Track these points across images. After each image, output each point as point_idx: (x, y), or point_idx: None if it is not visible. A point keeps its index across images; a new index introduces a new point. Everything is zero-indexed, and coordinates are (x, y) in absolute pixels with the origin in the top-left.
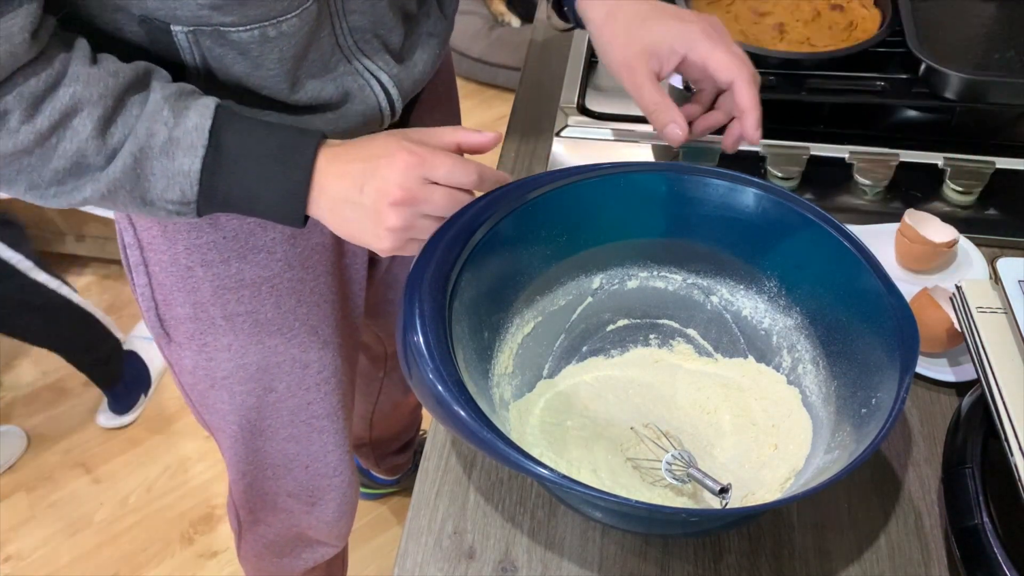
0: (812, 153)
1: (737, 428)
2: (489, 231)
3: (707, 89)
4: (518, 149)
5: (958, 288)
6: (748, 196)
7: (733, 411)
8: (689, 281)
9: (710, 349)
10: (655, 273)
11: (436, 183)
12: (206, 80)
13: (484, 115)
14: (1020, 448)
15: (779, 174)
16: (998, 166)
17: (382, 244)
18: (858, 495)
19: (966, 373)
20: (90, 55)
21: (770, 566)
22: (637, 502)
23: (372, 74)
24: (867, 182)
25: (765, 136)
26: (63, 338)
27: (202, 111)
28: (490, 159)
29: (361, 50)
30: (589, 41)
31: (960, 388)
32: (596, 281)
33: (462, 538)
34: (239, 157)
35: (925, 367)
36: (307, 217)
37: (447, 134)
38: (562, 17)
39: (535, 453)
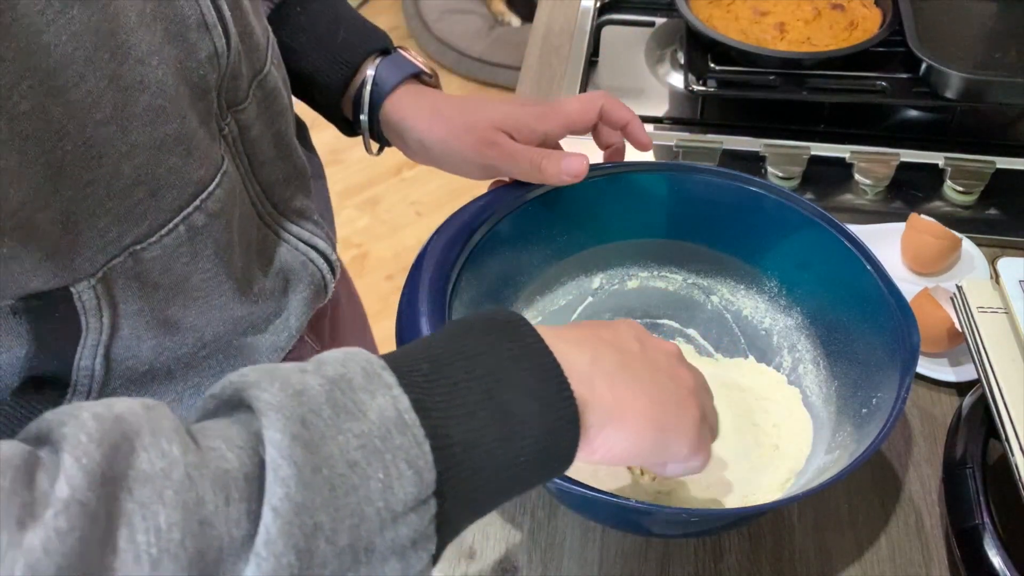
0: (812, 153)
1: (737, 428)
2: (489, 231)
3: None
4: None
5: (959, 288)
6: (748, 196)
7: (733, 411)
8: (689, 281)
9: (710, 349)
10: (655, 273)
11: None
12: (120, 373)
13: None
14: (1021, 448)
15: (779, 174)
16: (999, 166)
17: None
18: (858, 495)
19: (967, 373)
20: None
21: (770, 566)
22: (637, 503)
23: (307, 243)
24: (868, 182)
25: (765, 135)
26: None
27: (327, 353)
28: None
29: (283, 215)
30: (589, 41)
31: (961, 388)
32: (596, 281)
33: (462, 538)
34: (436, 366)
35: (926, 367)
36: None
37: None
38: (377, 140)
39: None
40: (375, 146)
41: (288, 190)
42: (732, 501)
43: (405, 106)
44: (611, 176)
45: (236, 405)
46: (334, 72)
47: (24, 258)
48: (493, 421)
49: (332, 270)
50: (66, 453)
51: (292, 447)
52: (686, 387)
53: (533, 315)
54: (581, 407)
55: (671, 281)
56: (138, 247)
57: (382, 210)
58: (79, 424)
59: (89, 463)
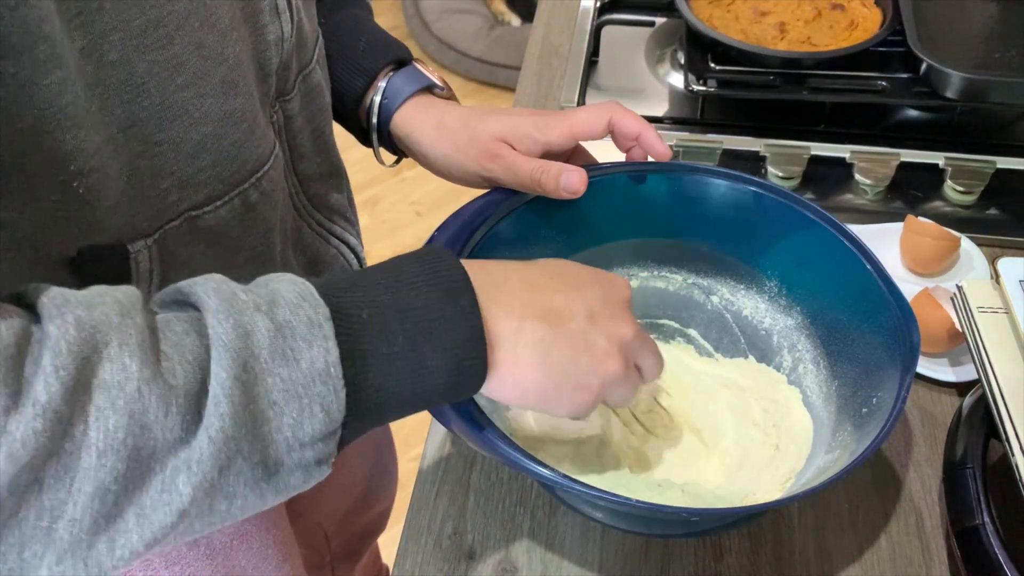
0: (813, 153)
1: (737, 428)
2: (489, 231)
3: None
4: None
5: (959, 288)
6: (748, 195)
7: (733, 411)
8: (689, 281)
9: (710, 349)
10: (655, 273)
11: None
12: None
13: None
14: (1021, 448)
15: (779, 173)
16: (999, 166)
17: (587, 397)
18: (859, 495)
19: (967, 373)
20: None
21: (770, 566)
22: (638, 502)
23: (338, 238)
24: (868, 182)
25: (765, 135)
26: None
27: (287, 278)
28: None
29: (317, 209)
30: (589, 41)
31: (961, 388)
32: None
33: (462, 538)
34: (375, 314)
35: (926, 367)
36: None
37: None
38: (392, 151)
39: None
40: (389, 158)
41: (323, 186)
42: (732, 501)
43: (412, 119)
44: (611, 176)
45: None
46: (352, 81)
47: (93, 203)
48: (408, 369)
49: (361, 266)
50: (47, 357)
51: (233, 387)
52: (600, 375)
53: None
54: (487, 368)
55: (671, 281)
56: (194, 213)
57: (382, 210)
58: (63, 329)
59: (65, 375)
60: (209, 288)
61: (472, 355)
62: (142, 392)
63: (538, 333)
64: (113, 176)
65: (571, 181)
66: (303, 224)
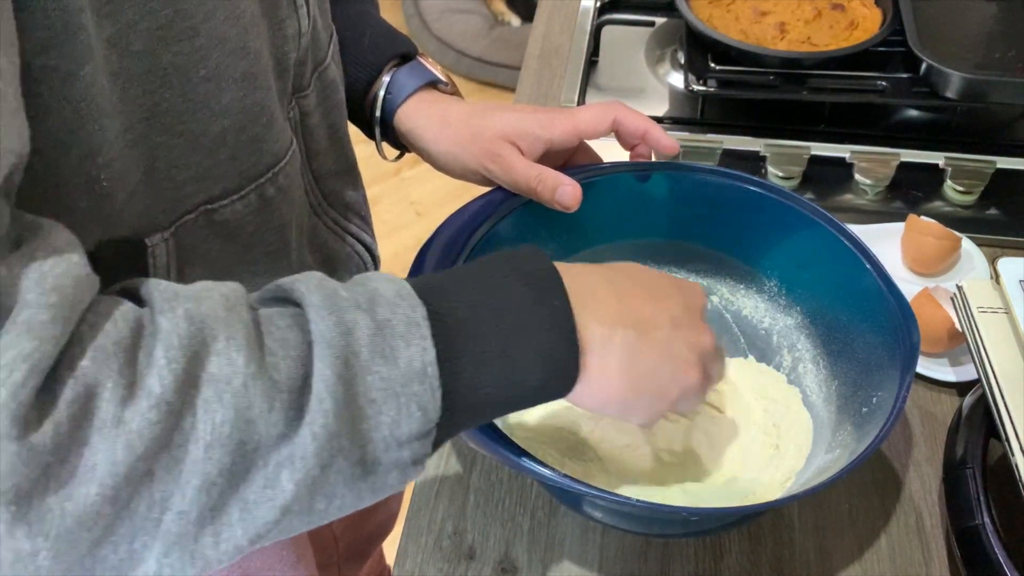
0: (813, 153)
1: (737, 428)
2: (489, 231)
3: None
4: None
5: (959, 288)
6: (748, 196)
7: (733, 411)
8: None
9: None
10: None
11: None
12: None
13: None
14: (1021, 448)
15: (779, 173)
16: (999, 166)
17: (663, 407)
18: (859, 495)
19: (967, 373)
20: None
21: (771, 566)
22: (638, 502)
23: (354, 236)
24: (868, 182)
25: (765, 135)
26: None
27: (383, 277)
28: None
29: (332, 206)
30: (589, 41)
31: (961, 388)
32: None
33: (462, 538)
34: (471, 314)
35: (926, 367)
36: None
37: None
38: (395, 145)
39: (535, 452)
40: (391, 152)
41: (339, 183)
42: (732, 501)
43: (416, 114)
44: (611, 176)
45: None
46: (357, 74)
47: (114, 195)
48: (500, 373)
49: (376, 265)
50: (159, 350)
51: (336, 385)
52: (681, 384)
53: None
54: (579, 372)
55: None
56: (211, 206)
57: (382, 210)
58: (173, 323)
59: (177, 368)
60: (311, 284)
61: (565, 358)
62: (248, 387)
63: (628, 341)
64: (131, 166)
65: (565, 195)
66: (318, 222)
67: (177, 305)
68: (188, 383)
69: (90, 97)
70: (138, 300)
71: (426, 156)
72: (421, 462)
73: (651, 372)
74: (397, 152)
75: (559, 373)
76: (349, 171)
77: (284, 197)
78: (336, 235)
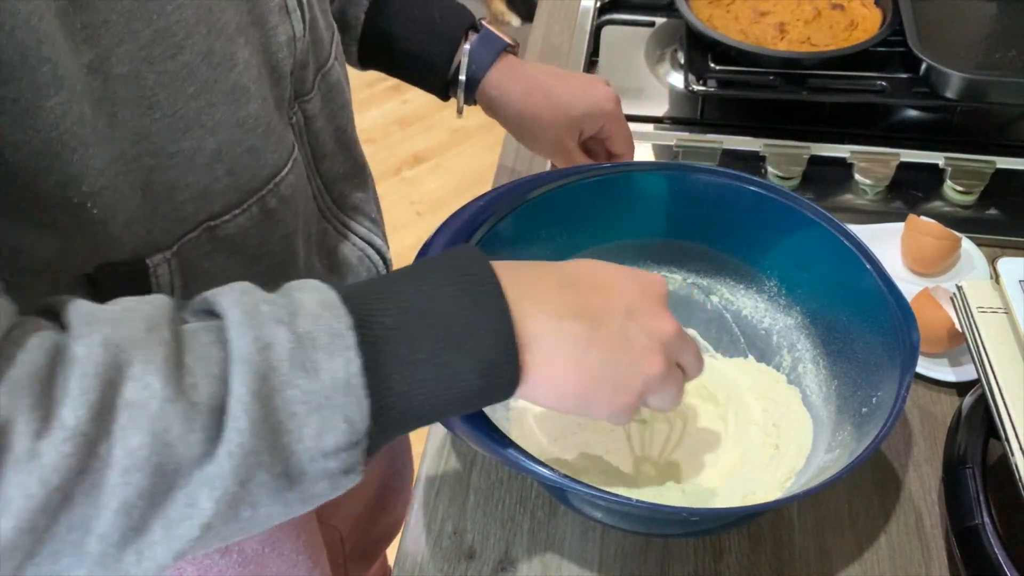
0: (812, 153)
1: (737, 428)
2: (489, 231)
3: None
4: (518, 149)
5: (959, 288)
6: (748, 196)
7: (733, 411)
8: (689, 281)
9: (710, 348)
10: (655, 273)
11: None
12: None
13: (484, 115)
14: (1021, 448)
15: (779, 173)
16: (999, 166)
17: (628, 399)
18: (858, 495)
19: (967, 373)
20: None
21: (770, 566)
22: (638, 501)
23: (364, 239)
24: (868, 182)
25: (765, 135)
26: None
27: (309, 286)
28: (491, 159)
29: (341, 210)
30: (589, 41)
31: (961, 388)
32: None
33: (462, 538)
34: (401, 321)
35: (926, 367)
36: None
37: None
38: (469, 101)
39: (535, 452)
40: (464, 109)
41: (348, 186)
42: (732, 501)
43: (500, 84)
44: (611, 176)
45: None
46: (439, 50)
47: (108, 222)
48: (435, 376)
49: (387, 267)
50: (74, 380)
51: (252, 402)
52: (643, 374)
53: None
54: (520, 369)
55: (671, 281)
56: (213, 223)
57: (382, 210)
58: (89, 350)
59: (91, 397)
60: (232, 298)
61: (502, 360)
62: (164, 410)
63: (576, 332)
64: (126, 192)
65: None
66: (328, 227)
67: (95, 331)
68: (103, 411)
69: (63, 128)
70: (58, 319)
71: (505, 122)
72: (354, 471)
73: (607, 363)
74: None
75: (497, 376)
76: (358, 172)
77: (287, 206)
78: (346, 239)
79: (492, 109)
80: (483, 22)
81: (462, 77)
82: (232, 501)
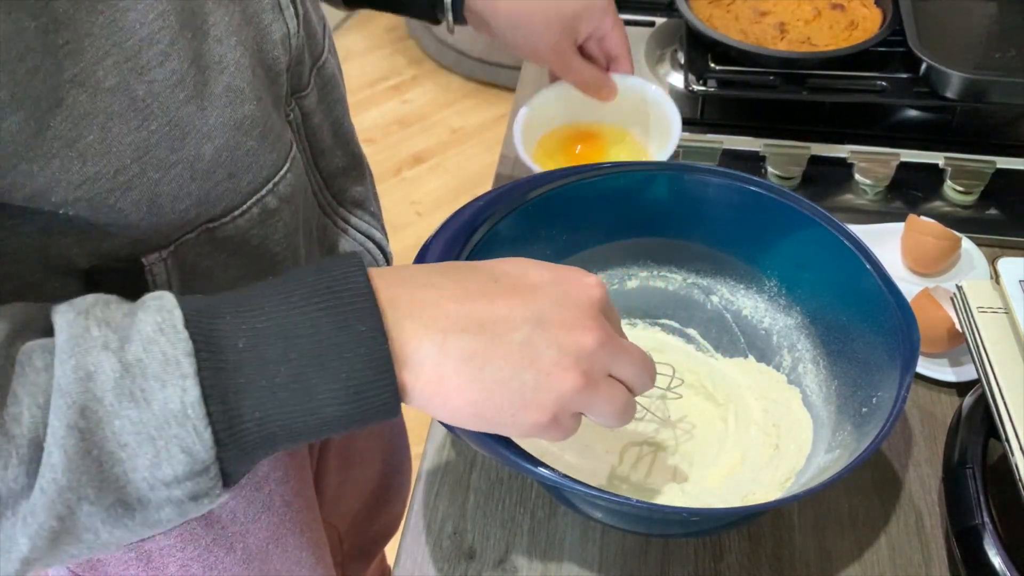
0: (812, 153)
1: (737, 428)
2: (489, 231)
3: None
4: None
5: (959, 288)
6: (748, 196)
7: (733, 411)
8: (689, 281)
9: (710, 348)
10: (655, 273)
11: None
12: None
13: (484, 115)
14: (1021, 448)
15: (779, 173)
16: (999, 166)
17: (541, 416)
18: (858, 495)
19: (967, 373)
20: None
21: (770, 566)
22: (638, 502)
23: (363, 233)
24: (868, 182)
25: (765, 135)
26: None
27: (155, 304)
28: (491, 159)
29: (340, 204)
30: None
31: (961, 388)
32: None
33: (462, 538)
34: (255, 343)
35: (926, 367)
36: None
37: None
38: (458, 20)
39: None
40: (454, 27)
41: (347, 180)
42: (732, 501)
43: None
44: (611, 176)
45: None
46: None
47: (92, 230)
48: (295, 401)
49: (388, 261)
50: None
51: (67, 436)
52: (553, 392)
53: None
54: (402, 390)
55: (671, 281)
56: (212, 225)
57: (382, 210)
58: None
59: None
60: (67, 319)
61: (374, 382)
62: None
63: (466, 348)
64: (128, 209)
65: (608, 93)
66: (328, 222)
67: None
68: None
69: (20, 142)
70: None
71: (497, 33)
72: (207, 496)
73: (506, 380)
74: (457, 25)
75: (370, 398)
76: (356, 166)
77: (287, 205)
78: (346, 234)
79: (482, 23)
80: None
81: (447, 6)
82: (51, 536)
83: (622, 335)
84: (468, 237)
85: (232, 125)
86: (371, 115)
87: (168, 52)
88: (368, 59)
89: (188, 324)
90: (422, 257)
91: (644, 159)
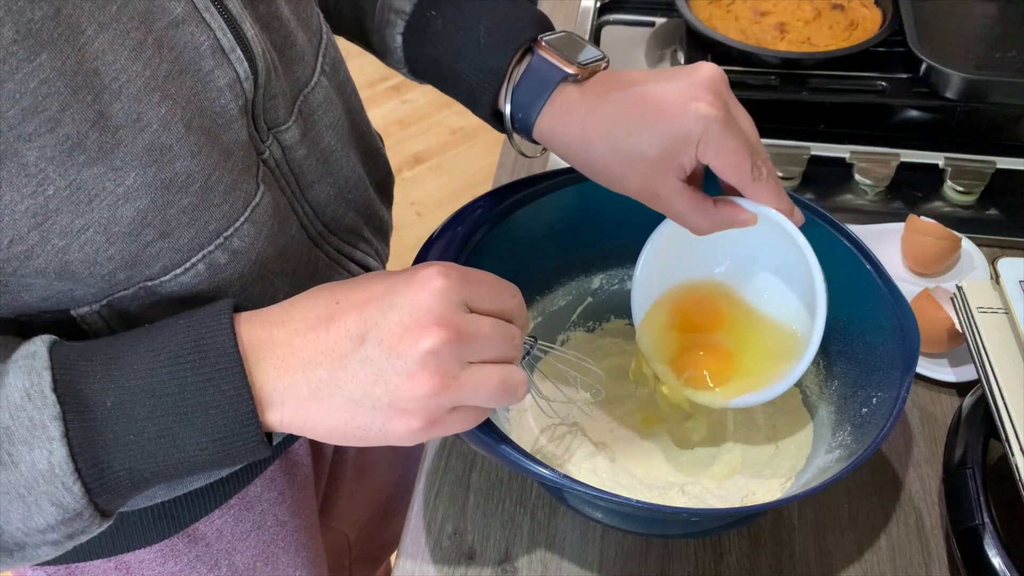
0: (812, 153)
1: (737, 428)
2: (489, 231)
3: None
4: None
5: (959, 288)
6: None
7: (734, 411)
8: None
9: None
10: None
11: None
12: None
13: None
14: (1021, 448)
15: (779, 174)
16: (999, 166)
17: (411, 423)
18: (859, 495)
19: (967, 373)
20: None
21: (770, 566)
22: (638, 502)
23: (358, 263)
24: (868, 182)
25: (766, 136)
26: None
27: (26, 365)
28: (491, 160)
29: (333, 233)
30: (589, 40)
31: (961, 388)
32: (596, 281)
33: (462, 538)
34: (123, 402)
35: (926, 367)
36: (269, 439)
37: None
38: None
39: (535, 453)
40: (537, 148)
41: (340, 207)
42: (732, 501)
43: (555, 132)
44: None
45: None
46: (481, 83)
47: (19, 297)
48: (163, 454)
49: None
50: None
51: None
52: (413, 397)
53: (533, 315)
54: (272, 426)
55: None
56: (150, 284)
57: None
58: None
59: None
60: None
61: (239, 430)
62: None
63: (313, 381)
64: (32, 275)
65: (744, 224)
66: (320, 255)
67: None
68: None
69: None
70: None
71: (579, 171)
72: (85, 532)
73: (358, 401)
74: (541, 148)
75: (238, 443)
76: (351, 190)
77: (242, 258)
78: (339, 265)
79: (554, 148)
80: (542, 42)
81: (507, 123)
82: None
83: (496, 299)
84: (468, 237)
85: (159, 184)
86: (371, 115)
87: (58, 118)
88: (368, 59)
89: (57, 387)
90: (422, 257)
91: (795, 349)
